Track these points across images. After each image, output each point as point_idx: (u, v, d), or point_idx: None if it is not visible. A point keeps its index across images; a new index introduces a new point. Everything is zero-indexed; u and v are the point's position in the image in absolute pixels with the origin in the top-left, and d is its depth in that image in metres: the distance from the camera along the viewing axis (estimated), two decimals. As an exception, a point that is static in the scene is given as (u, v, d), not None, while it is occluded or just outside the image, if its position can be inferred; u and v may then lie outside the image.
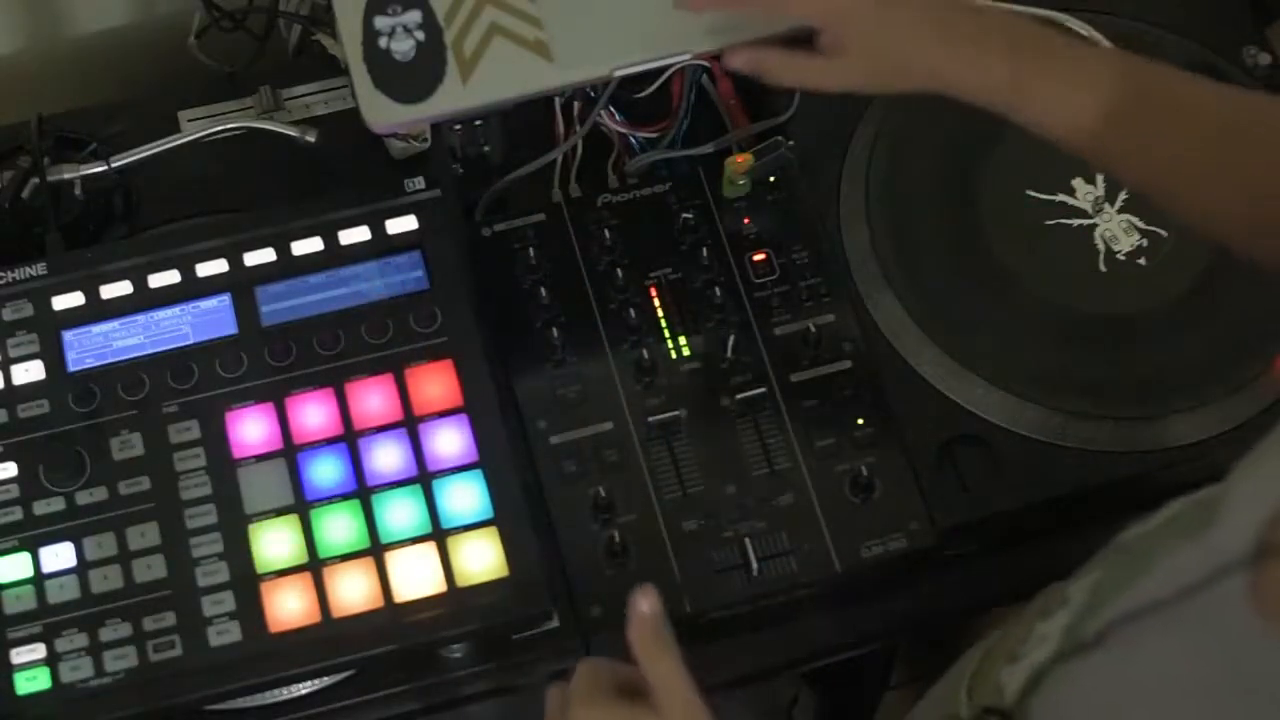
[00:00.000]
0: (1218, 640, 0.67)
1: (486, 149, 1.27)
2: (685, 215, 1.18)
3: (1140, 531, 0.83)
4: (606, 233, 1.18)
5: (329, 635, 1.03)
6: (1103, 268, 1.18)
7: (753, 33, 1.05)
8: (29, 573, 1.04)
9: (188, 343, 1.11)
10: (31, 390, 1.09)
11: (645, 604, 0.89)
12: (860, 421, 1.12)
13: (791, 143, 1.20)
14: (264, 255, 1.13)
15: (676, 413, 1.12)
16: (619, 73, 1.05)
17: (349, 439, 1.08)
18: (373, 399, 1.09)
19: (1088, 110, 0.95)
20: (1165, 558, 0.76)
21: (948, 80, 0.99)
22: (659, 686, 0.86)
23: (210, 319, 1.11)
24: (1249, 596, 0.65)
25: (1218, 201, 0.96)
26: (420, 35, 1.03)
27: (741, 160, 1.17)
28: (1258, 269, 0.95)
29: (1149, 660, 0.72)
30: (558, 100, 1.24)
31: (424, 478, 1.07)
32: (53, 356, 1.10)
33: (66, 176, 1.20)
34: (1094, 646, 0.77)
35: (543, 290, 1.16)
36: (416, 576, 1.04)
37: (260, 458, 1.07)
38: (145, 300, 1.12)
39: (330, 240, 1.14)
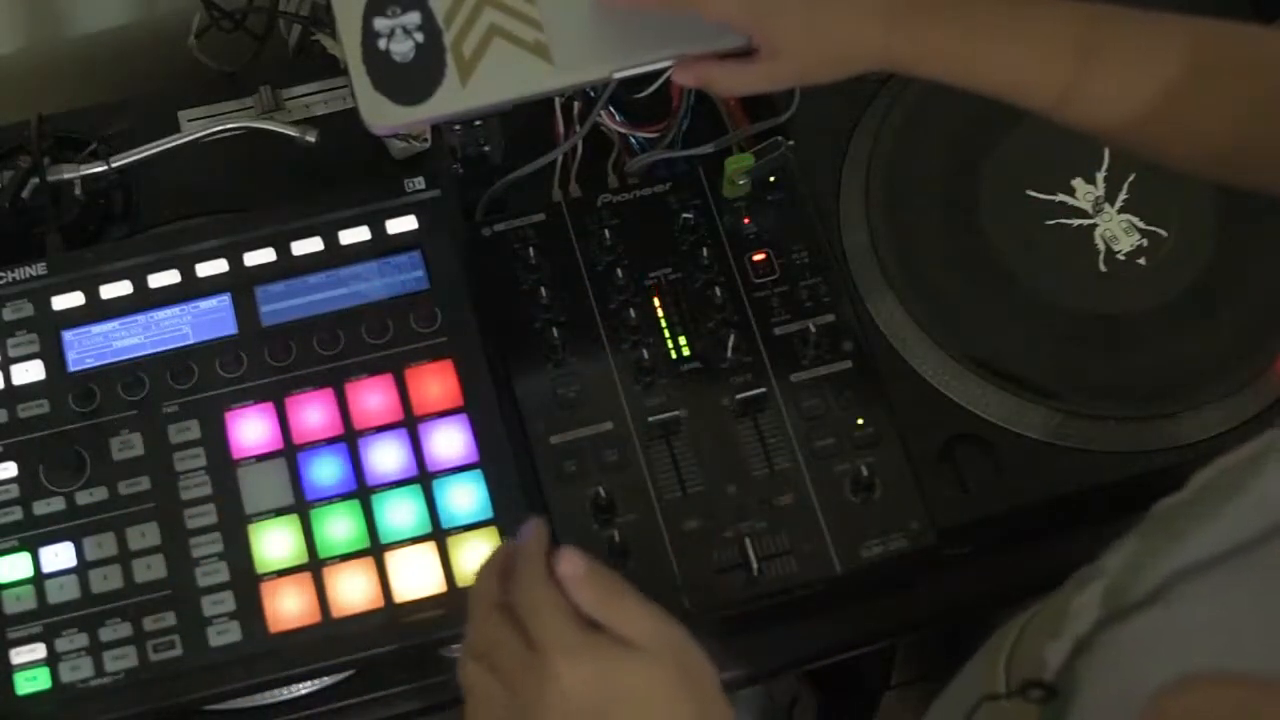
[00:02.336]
0: None
1: (486, 149, 1.26)
2: (685, 215, 1.18)
3: (1173, 502, 0.82)
4: (606, 233, 1.18)
5: (329, 635, 1.03)
6: (1103, 268, 1.18)
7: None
8: (29, 573, 1.04)
9: (188, 343, 1.11)
10: (31, 390, 1.09)
11: (567, 564, 0.74)
12: (860, 421, 1.12)
13: (791, 143, 1.20)
14: (264, 255, 1.13)
15: (676, 413, 1.11)
16: (619, 75, 1.05)
17: (349, 439, 1.08)
18: (373, 399, 1.09)
19: (1057, 67, 0.93)
20: (1210, 520, 0.74)
21: (896, 60, 0.97)
22: (639, 634, 0.74)
23: (210, 319, 1.12)
24: None
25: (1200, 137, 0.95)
26: (419, 37, 1.03)
27: (741, 160, 1.17)
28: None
29: (1213, 611, 0.70)
30: (558, 100, 1.24)
31: (424, 478, 1.07)
32: (53, 356, 1.10)
33: (66, 176, 1.20)
34: (1149, 604, 0.74)
35: (543, 290, 1.16)
36: (416, 576, 1.04)
37: (260, 458, 1.07)
38: (145, 300, 1.12)
39: (330, 240, 1.14)
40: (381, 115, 1.03)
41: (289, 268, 1.13)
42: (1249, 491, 0.74)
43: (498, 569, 0.81)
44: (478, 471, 1.07)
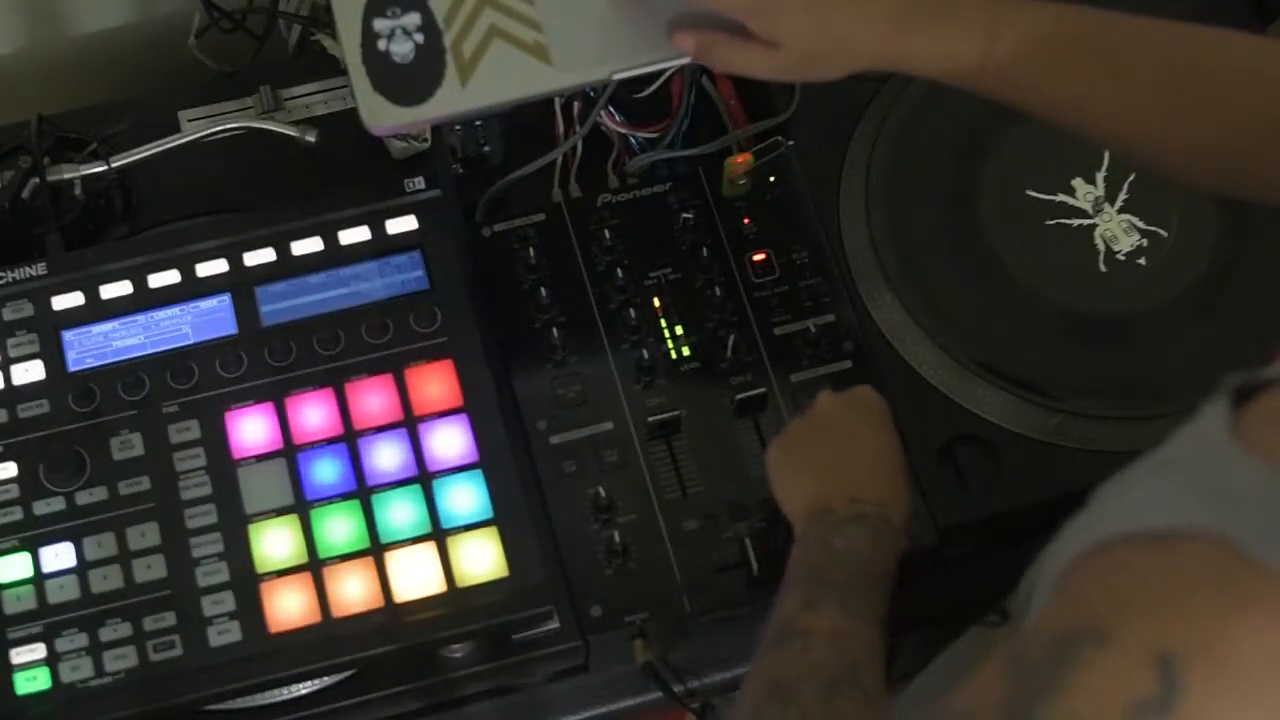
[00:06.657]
0: (1197, 465, 0.71)
1: (486, 149, 1.27)
2: (685, 215, 1.18)
3: None
4: (606, 233, 1.18)
5: (329, 635, 1.03)
6: (1103, 268, 1.18)
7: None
8: (29, 573, 1.04)
9: (188, 343, 1.11)
10: (31, 390, 1.09)
11: None
12: (860, 421, 1.12)
13: (791, 143, 1.20)
14: (264, 255, 1.13)
15: (676, 413, 1.11)
16: (618, 76, 1.05)
17: (349, 439, 1.08)
18: (373, 399, 1.09)
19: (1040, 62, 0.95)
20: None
21: (896, 59, 0.97)
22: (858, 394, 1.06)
23: (210, 319, 1.11)
24: (1229, 432, 0.71)
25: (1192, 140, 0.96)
26: (419, 37, 1.03)
27: (741, 160, 1.17)
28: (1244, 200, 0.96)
29: (1124, 498, 0.75)
30: (558, 101, 1.24)
31: (424, 478, 1.07)
32: (53, 356, 1.10)
33: (66, 176, 1.20)
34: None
35: (543, 290, 1.16)
36: (416, 576, 1.04)
37: (260, 458, 1.07)
38: (145, 300, 1.12)
39: (330, 240, 1.14)
40: (381, 115, 1.03)
41: (289, 268, 1.13)
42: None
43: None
44: (478, 471, 1.07)
